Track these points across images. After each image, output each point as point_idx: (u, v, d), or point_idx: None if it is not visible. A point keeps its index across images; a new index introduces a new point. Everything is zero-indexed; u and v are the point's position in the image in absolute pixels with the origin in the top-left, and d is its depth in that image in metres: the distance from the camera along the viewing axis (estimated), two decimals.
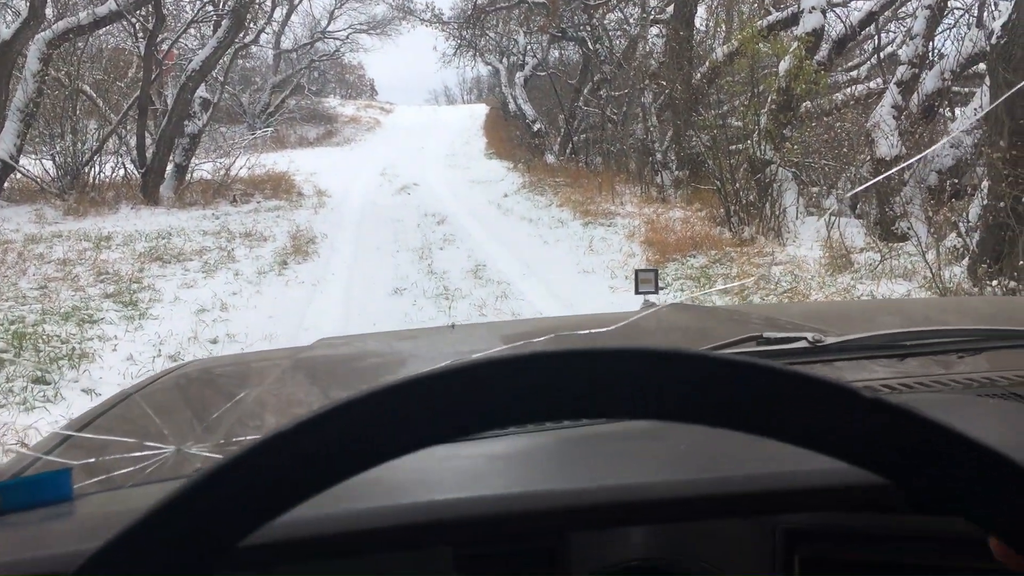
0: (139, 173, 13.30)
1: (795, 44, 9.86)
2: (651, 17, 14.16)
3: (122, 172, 13.81)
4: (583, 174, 16.04)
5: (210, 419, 1.05)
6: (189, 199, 13.68)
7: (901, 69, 9.79)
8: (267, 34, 31.63)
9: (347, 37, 32.70)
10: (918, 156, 7.03)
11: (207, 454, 0.84)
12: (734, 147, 10.39)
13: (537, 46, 23.34)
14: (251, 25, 14.83)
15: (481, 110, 39.09)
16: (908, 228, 7.83)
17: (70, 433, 1.05)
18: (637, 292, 1.84)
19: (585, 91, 20.18)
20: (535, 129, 21.61)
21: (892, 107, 9.21)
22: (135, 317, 6.61)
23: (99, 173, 13.24)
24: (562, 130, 21.33)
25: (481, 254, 9.51)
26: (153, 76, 12.61)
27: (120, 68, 15.01)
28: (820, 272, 7.57)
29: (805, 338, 1.08)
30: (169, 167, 13.71)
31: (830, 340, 1.07)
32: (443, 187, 16.96)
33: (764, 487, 0.65)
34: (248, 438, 0.81)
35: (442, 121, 34.88)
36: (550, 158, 20.21)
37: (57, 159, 12.98)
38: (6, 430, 4.11)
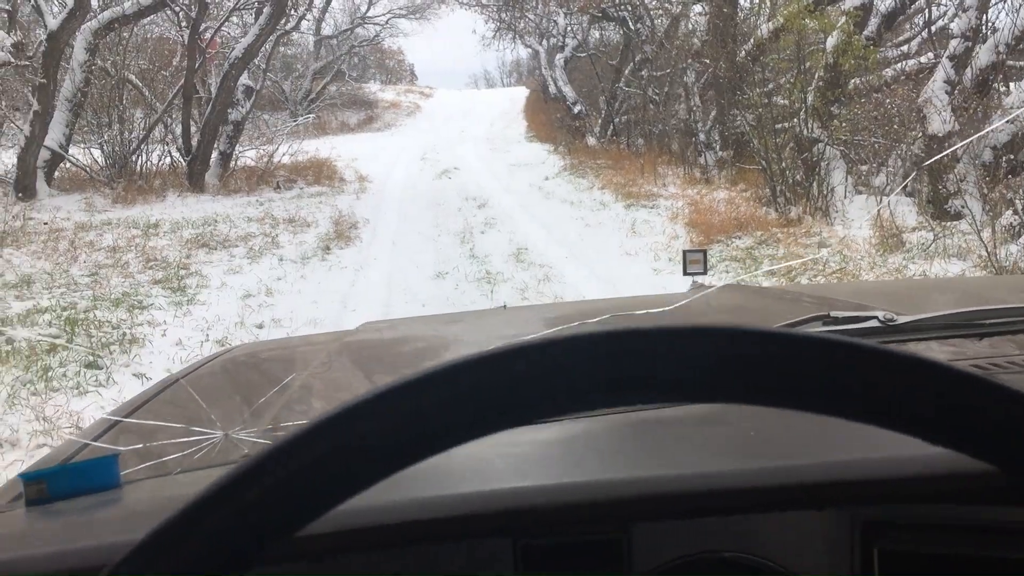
0: (185, 161, 13.47)
1: (843, 19, 9.61)
2: None
3: (168, 160, 14.00)
4: (625, 156, 15.89)
5: (257, 404, 1.04)
6: (234, 186, 13.84)
7: (953, 43, 9.48)
8: (308, 21, 31.94)
9: (387, 22, 32.76)
10: (977, 135, 6.79)
11: (255, 439, 0.84)
12: (780, 126, 10.18)
13: (577, 27, 23.12)
14: (292, 12, 14.90)
15: (521, 93, 38.89)
16: (962, 206, 7.61)
17: (118, 419, 1.05)
18: (685, 273, 1.81)
19: (626, 72, 19.96)
20: (575, 111, 21.44)
21: (944, 82, 8.93)
22: (183, 303, 6.71)
23: (146, 162, 13.43)
24: (603, 112, 21.14)
25: (523, 237, 9.47)
26: (197, 64, 12.74)
27: (165, 57, 15.19)
28: (870, 252, 7.40)
29: (876, 317, 1.04)
30: (214, 155, 13.87)
31: (903, 319, 1.04)
32: (484, 171, 16.94)
33: (842, 476, 0.62)
34: (295, 423, 0.83)
35: (482, 104, 34.81)
36: (591, 140, 20.05)
37: (105, 148, 13.20)
38: (60, 414, 4.19)
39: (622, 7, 18.31)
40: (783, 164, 9.45)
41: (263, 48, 14.31)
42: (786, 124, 10.12)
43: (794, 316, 1.08)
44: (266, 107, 34.01)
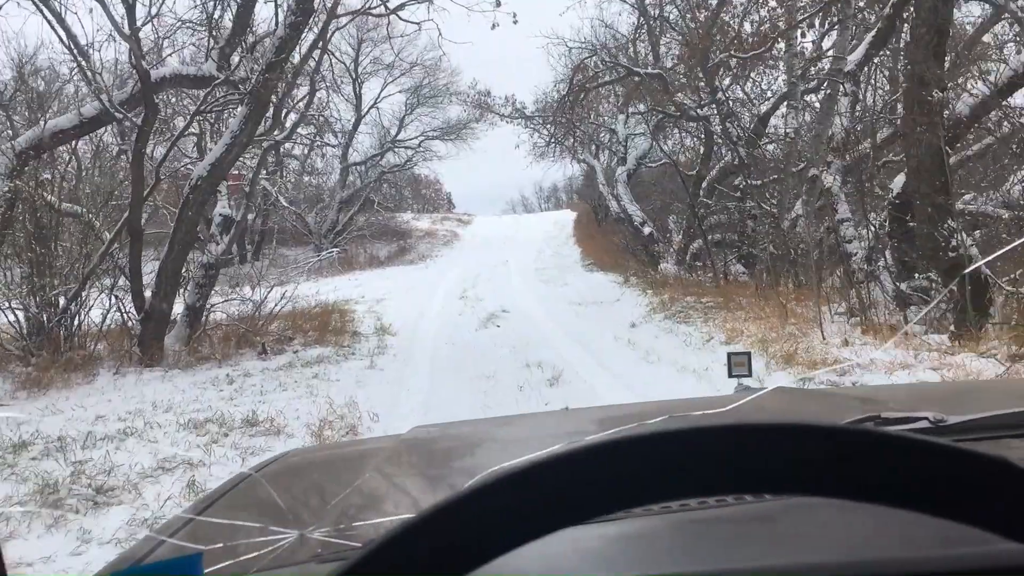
0: (136, 320, 9.75)
1: None
2: (840, 70, 10.16)
3: (120, 318, 10.27)
4: (733, 290, 11.86)
5: (329, 504, 1.06)
6: (205, 351, 10.05)
7: None
8: (335, 147, 29.14)
9: (419, 145, 29.85)
10: None
11: (329, 539, 0.84)
12: None
13: (641, 135, 19.68)
14: (284, 120, 11.39)
15: (566, 216, 35.65)
16: None
17: (193, 516, 1.09)
18: (731, 375, 1.88)
19: (704, 183, 16.23)
20: (646, 233, 17.67)
21: None
22: None
23: (78, 324, 9.69)
24: (679, 233, 17.34)
25: None
26: (147, 189, 9.15)
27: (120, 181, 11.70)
28: None
29: (926, 418, 1.06)
30: (178, 310, 10.16)
31: (954, 419, 1.05)
32: (541, 313, 13.02)
33: (905, 570, 0.63)
34: (366, 521, 0.94)
35: (525, 229, 31.39)
36: (669, 267, 16.19)
37: (30, 307, 9.54)
38: None
39: (705, 104, 14.70)
40: None
41: (246, 164, 10.77)
42: None
43: (845, 418, 1.08)
44: (288, 242, 31.02)
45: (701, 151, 16.41)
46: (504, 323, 12.13)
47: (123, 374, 8.92)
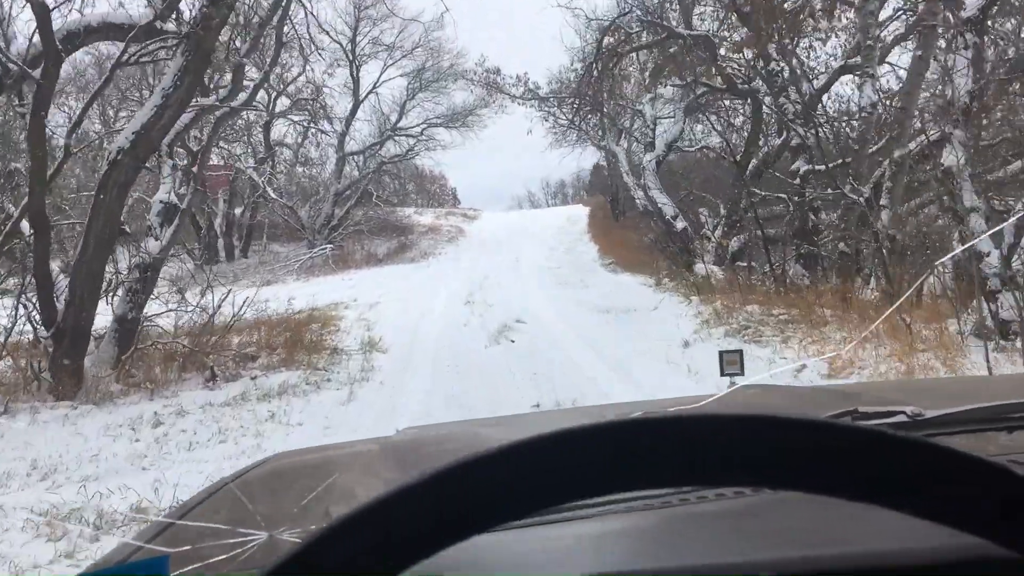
0: (48, 336, 7.50)
1: None
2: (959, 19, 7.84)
3: (30, 332, 8.02)
4: (802, 296, 9.54)
5: (302, 504, 1.03)
6: (141, 376, 7.80)
7: None
8: (330, 135, 26.81)
9: (422, 133, 27.51)
10: None
11: (298, 540, 0.71)
12: None
13: (669, 120, 17.35)
14: (225, 80, 8.92)
15: (578, 211, 33.30)
16: None
17: (171, 521, 1.07)
18: (723, 374, 1.84)
19: (749, 169, 13.90)
20: (679, 228, 15.36)
21: None
22: None
23: None
24: (718, 227, 15.05)
25: None
26: (52, 169, 6.86)
27: None
28: None
29: (903, 412, 1.05)
30: (106, 321, 7.91)
31: (931, 413, 1.05)
32: (563, 323, 10.74)
33: (878, 563, 0.64)
34: None
35: (535, 225, 29.05)
36: (707, 266, 13.89)
37: None
38: None
39: (758, 75, 12.34)
40: None
41: (195, 136, 8.48)
42: None
43: (822, 413, 1.04)
44: (281, 237, 28.71)
45: (746, 133, 14.07)
46: (520, 337, 9.86)
47: (13, 413, 6.66)
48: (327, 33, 27.27)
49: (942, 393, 1.68)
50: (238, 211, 25.89)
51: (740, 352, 1.87)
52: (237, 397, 7.18)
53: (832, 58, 13.01)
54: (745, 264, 14.20)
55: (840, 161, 10.55)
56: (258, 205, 25.60)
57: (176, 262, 22.92)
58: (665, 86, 15.35)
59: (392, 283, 17.16)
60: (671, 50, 13.08)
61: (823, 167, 11.16)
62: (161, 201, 8.09)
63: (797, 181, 11.89)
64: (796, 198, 11.86)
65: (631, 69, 16.21)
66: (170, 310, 8.13)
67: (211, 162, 27.99)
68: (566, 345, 8.99)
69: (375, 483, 1.23)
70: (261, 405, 6.89)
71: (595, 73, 13.68)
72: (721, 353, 1.87)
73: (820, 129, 11.63)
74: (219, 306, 8.48)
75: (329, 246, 23.65)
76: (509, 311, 11.77)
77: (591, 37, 15.42)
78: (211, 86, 9.07)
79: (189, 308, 8.18)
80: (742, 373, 1.80)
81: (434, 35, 26.27)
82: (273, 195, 23.61)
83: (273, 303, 14.71)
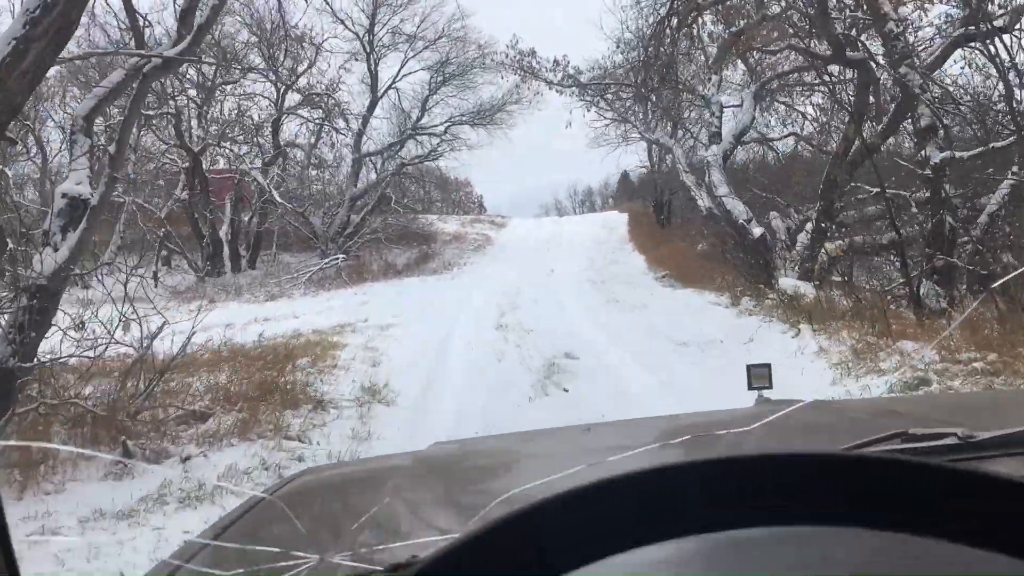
0: None
1: None
2: None
3: None
4: (983, 334, 6.77)
5: (350, 527, 1.03)
6: (13, 458, 5.21)
7: None
8: (345, 135, 24.23)
9: (445, 131, 24.93)
10: None
11: (351, 563, 0.82)
12: None
13: (736, 106, 14.62)
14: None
15: (616, 217, 30.61)
16: None
17: (208, 542, 1.04)
18: (751, 388, 1.82)
19: (848, 157, 11.13)
20: (755, 235, 12.62)
21: None
22: None
23: None
24: (805, 236, 12.32)
25: None
26: None
27: None
28: None
29: (955, 433, 1.01)
30: None
31: (983, 435, 1.01)
32: (630, 361, 8.07)
33: None
34: (385, 546, 0.89)
35: (568, 232, 26.39)
36: (788, 283, 11.17)
37: None
38: None
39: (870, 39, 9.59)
40: None
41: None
42: None
43: (870, 435, 1.05)
44: (292, 247, 26.21)
45: (847, 118, 11.29)
46: (575, 384, 7.20)
47: None
48: (342, 22, 25.27)
49: (995, 410, 1.61)
50: (245, 218, 23.47)
51: (768, 366, 1.81)
52: (148, 498, 4.57)
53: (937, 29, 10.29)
54: (839, 278, 11.50)
55: (1015, 137, 7.80)
56: (267, 211, 23.13)
57: (178, 273, 20.13)
58: (753, 57, 12.61)
59: (411, 298, 14.58)
60: (770, 9, 10.33)
61: (972, 153, 8.39)
62: (64, 195, 5.55)
63: (927, 172, 9.13)
64: (927, 194, 9.09)
65: (697, 52, 13.49)
66: (71, 356, 5.52)
67: (217, 164, 25.85)
68: (644, 400, 6.28)
69: (416, 504, 1.20)
70: (178, 516, 4.29)
71: (667, 32, 10.98)
72: (749, 367, 1.81)
73: (960, 108, 8.87)
74: (152, 340, 5.88)
75: (342, 256, 21.11)
76: (554, 340, 9.13)
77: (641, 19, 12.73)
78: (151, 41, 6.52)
79: (97, 344, 5.57)
80: (771, 387, 1.74)
81: (458, 24, 23.82)
82: (280, 200, 21.10)
83: (272, 324, 12.21)
